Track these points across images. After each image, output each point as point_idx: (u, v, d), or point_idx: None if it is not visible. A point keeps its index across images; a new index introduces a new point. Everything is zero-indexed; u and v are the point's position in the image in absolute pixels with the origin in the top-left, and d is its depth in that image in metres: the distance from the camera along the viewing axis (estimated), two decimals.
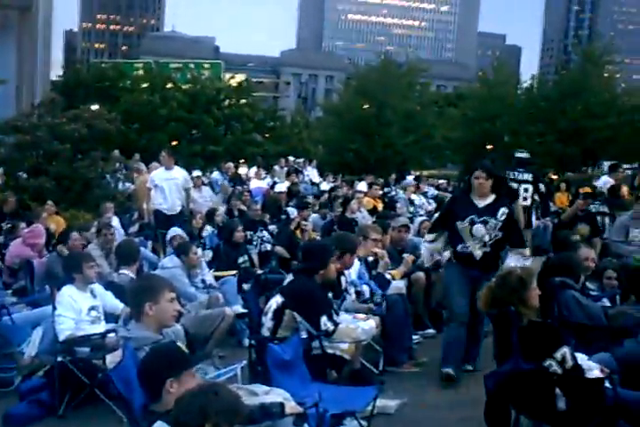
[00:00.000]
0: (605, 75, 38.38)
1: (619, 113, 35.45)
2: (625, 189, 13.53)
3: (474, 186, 6.89)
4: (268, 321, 5.82)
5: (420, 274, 8.45)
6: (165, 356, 3.82)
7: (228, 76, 48.73)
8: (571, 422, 4.65)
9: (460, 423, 5.78)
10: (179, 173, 12.72)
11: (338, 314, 6.07)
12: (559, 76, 40.79)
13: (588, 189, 11.42)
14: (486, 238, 6.72)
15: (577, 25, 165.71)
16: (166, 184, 12.34)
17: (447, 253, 7.30)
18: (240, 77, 45.64)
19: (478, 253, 6.73)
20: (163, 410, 3.54)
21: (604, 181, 13.67)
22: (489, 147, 37.53)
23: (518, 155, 11.17)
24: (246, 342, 6.94)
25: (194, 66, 51.86)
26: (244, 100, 40.82)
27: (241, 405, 3.31)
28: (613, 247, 9.81)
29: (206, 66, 53.48)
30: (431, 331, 8.42)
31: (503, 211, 6.81)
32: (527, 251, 7.04)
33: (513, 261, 6.67)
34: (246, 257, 9.90)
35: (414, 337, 7.77)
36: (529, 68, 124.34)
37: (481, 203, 6.85)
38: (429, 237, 7.34)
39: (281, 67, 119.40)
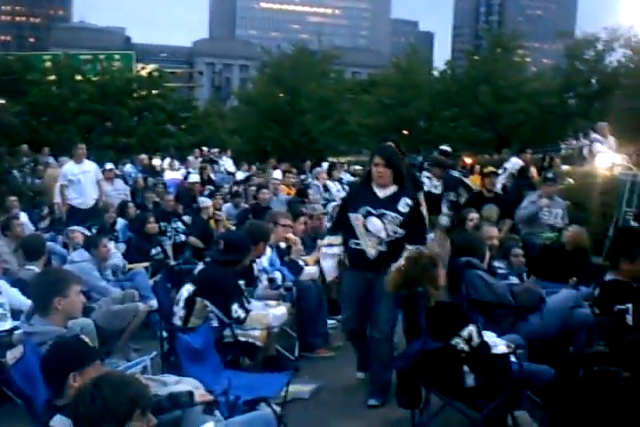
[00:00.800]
0: (516, 59, 39.14)
1: (528, 97, 36.17)
2: (533, 170, 13.86)
3: (373, 174, 5.95)
4: (179, 310, 5.80)
5: None
6: (68, 349, 3.74)
7: (139, 66, 47.89)
8: (479, 398, 4.76)
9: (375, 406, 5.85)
10: (90, 165, 12.70)
11: (249, 302, 6.06)
12: (470, 62, 41.36)
13: (491, 169, 11.63)
14: (382, 234, 5.72)
15: (487, 10, 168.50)
16: (81, 177, 12.30)
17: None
18: (151, 68, 44.95)
19: (372, 251, 5.74)
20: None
21: (514, 163, 13.94)
22: (404, 132, 37.88)
23: (442, 147, 11.49)
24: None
25: (104, 57, 50.64)
26: (155, 91, 40.21)
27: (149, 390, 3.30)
28: (522, 226, 10.03)
29: (117, 57, 52.07)
30: None
31: (406, 202, 5.81)
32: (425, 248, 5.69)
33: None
34: (159, 249, 9.79)
35: (329, 322, 7.81)
36: (442, 54, 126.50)
37: (382, 193, 5.87)
38: (330, 239, 6.18)
39: (194, 57, 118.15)
